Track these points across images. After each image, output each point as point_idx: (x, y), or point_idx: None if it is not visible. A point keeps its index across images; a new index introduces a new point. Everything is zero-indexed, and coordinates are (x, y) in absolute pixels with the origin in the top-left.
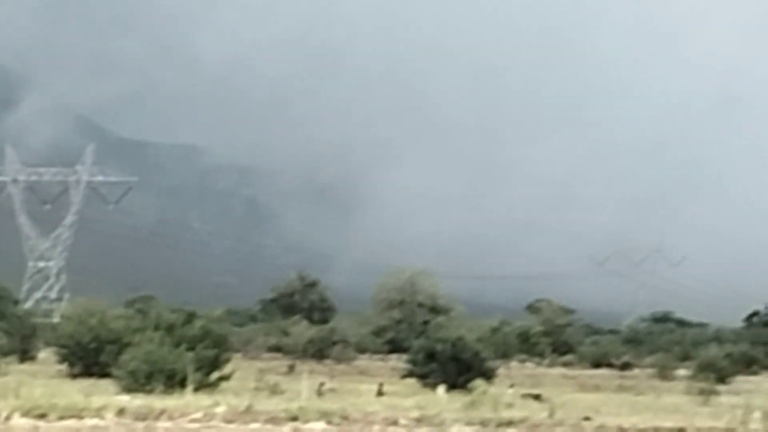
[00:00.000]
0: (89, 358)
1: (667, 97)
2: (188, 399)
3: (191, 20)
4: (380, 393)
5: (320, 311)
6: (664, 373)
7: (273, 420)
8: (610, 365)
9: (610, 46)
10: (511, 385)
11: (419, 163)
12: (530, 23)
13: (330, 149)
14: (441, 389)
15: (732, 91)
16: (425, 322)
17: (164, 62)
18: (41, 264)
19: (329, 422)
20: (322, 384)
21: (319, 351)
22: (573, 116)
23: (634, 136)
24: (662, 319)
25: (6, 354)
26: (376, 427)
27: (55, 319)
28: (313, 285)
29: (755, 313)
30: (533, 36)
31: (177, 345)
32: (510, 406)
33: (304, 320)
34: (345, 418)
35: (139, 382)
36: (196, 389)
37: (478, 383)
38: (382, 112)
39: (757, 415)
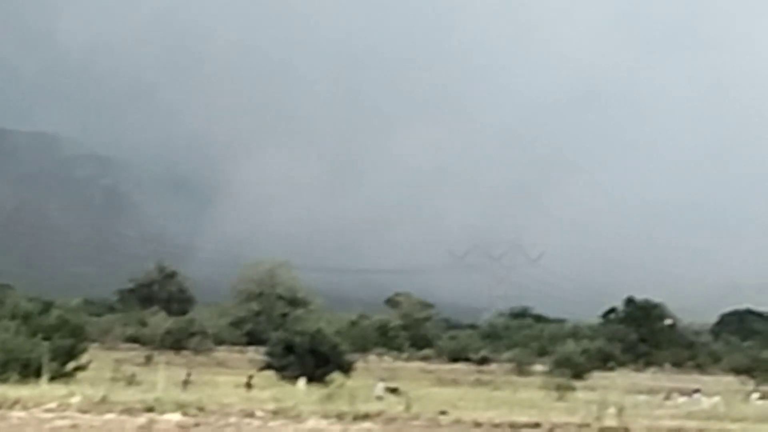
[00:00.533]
0: None
1: (531, 91)
2: (43, 389)
3: (52, 6)
4: (249, 385)
5: (179, 302)
6: (521, 368)
7: (128, 411)
8: (467, 360)
9: (475, 38)
10: (382, 379)
11: (280, 155)
12: (396, 14)
13: (190, 140)
14: (301, 382)
15: (593, 86)
16: (284, 315)
17: (22, 48)
18: None
19: (185, 413)
20: (189, 374)
21: (177, 342)
22: (436, 109)
23: (496, 130)
24: (520, 314)
25: None
26: (232, 419)
27: None
28: (172, 276)
29: (612, 310)
30: (398, 26)
31: (33, 334)
32: (380, 399)
33: (162, 311)
34: (201, 409)
35: None
36: (52, 379)
37: (336, 376)
38: (243, 103)
39: (611, 410)
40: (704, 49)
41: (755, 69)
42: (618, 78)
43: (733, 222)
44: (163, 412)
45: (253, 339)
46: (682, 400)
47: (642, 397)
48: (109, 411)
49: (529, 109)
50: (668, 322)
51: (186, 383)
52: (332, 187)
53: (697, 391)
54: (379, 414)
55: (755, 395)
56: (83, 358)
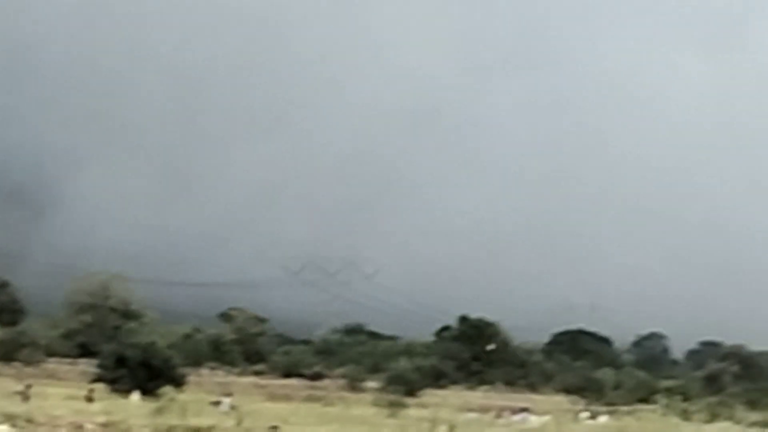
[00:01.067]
0: None
1: (370, 108)
2: None
3: None
4: (89, 399)
5: (10, 313)
6: (353, 385)
7: None
8: (301, 375)
9: (314, 53)
10: (227, 395)
11: (115, 167)
12: (234, 27)
13: (23, 149)
14: (135, 395)
15: (432, 104)
16: (117, 327)
17: None
18: None
19: (14, 425)
20: (29, 386)
21: (7, 353)
22: (274, 124)
23: (335, 146)
24: (354, 330)
25: None
26: (62, 431)
27: None
28: (3, 286)
29: (446, 327)
30: (237, 39)
31: None
32: (226, 415)
33: None
34: (30, 421)
35: None
36: None
37: (168, 390)
38: (78, 114)
39: (442, 428)
40: (543, 70)
41: (590, 91)
42: (456, 97)
43: (567, 241)
44: None
45: (86, 351)
46: (514, 418)
47: (473, 415)
48: None
49: (368, 125)
50: (491, 347)
51: (24, 395)
52: (167, 200)
53: (524, 409)
54: (210, 428)
55: (584, 414)
56: None
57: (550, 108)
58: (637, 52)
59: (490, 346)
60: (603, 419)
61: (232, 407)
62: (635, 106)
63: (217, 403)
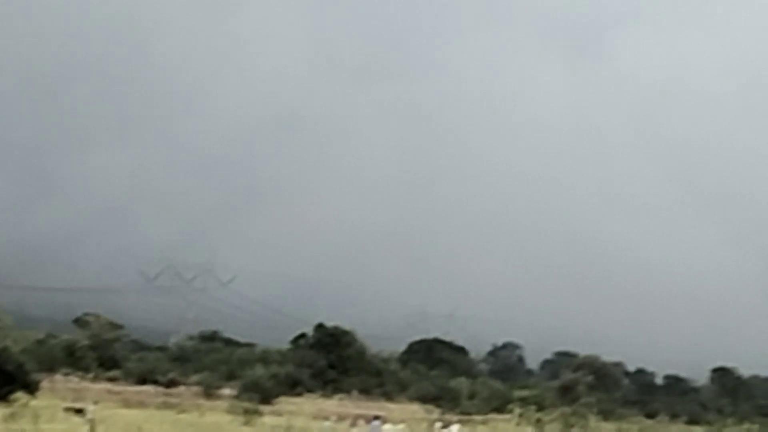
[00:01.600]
0: None
1: (233, 112)
2: None
3: None
4: None
5: None
6: (209, 392)
7: None
8: (156, 382)
9: (178, 56)
10: (95, 402)
11: None
12: (99, 27)
13: None
14: None
15: (295, 109)
16: None
17: None
18: None
19: None
20: None
21: None
22: (134, 129)
23: (196, 151)
24: (210, 337)
25: None
26: None
27: None
28: None
29: (302, 335)
30: (101, 40)
31: None
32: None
33: None
34: None
35: None
36: None
37: (21, 395)
38: None
39: None
40: (406, 77)
41: (452, 99)
42: (319, 104)
43: (424, 251)
44: None
45: None
46: (368, 426)
47: (328, 423)
48: None
49: (229, 131)
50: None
51: None
52: (23, 203)
53: (377, 418)
54: None
55: (439, 424)
56: None
57: (412, 115)
58: (498, 61)
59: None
60: (455, 428)
61: (75, 411)
62: (496, 114)
63: (80, 411)
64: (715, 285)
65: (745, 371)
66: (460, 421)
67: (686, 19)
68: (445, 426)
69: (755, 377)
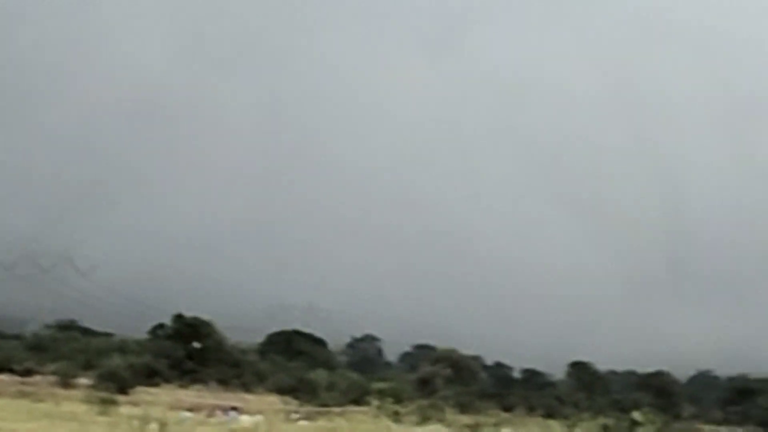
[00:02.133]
0: None
1: (95, 98)
2: None
3: None
4: None
5: None
6: (65, 381)
7: None
8: (11, 371)
9: (32, 41)
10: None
11: None
12: None
13: None
14: None
15: (157, 99)
16: None
17: None
18: None
19: None
20: None
21: None
22: (4, 114)
23: (53, 139)
24: (67, 326)
25: None
26: None
27: None
28: None
29: (160, 326)
30: None
31: None
32: None
33: None
34: None
35: None
36: None
37: None
38: None
39: (153, 426)
40: (268, 69)
41: (314, 92)
42: (183, 94)
43: (283, 242)
44: None
45: None
46: (225, 417)
47: (186, 414)
48: None
49: (89, 118)
50: (197, 345)
51: None
52: None
53: (233, 408)
54: None
55: (296, 415)
56: None
57: (273, 108)
58: (361, 56)
59: (197, 344)
60: (303, 423)
61: None
62: (358, 107)
63: None
64: (573, 281)
65: (601, 366)
66: (318, 413)
67: (550, 17)
68: (305, 418)
69: (612, 372)
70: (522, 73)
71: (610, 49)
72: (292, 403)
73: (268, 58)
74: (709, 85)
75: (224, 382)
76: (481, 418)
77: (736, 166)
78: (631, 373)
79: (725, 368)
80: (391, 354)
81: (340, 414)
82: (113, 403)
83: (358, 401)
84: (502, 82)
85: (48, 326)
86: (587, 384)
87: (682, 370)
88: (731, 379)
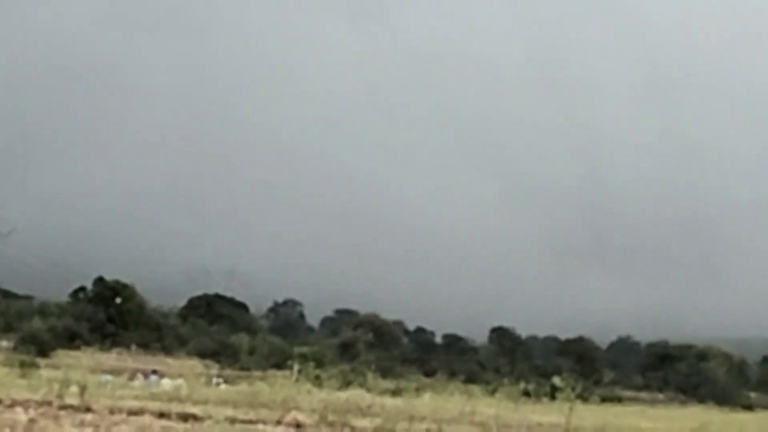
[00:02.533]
0: None
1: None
2: None
3: None
4: None
5: None
6: None
7: None
8: None
9: None
10: None
11: None
12: None
13: None
14: None
15: (79, 60)
16: None
17: None
18: None
19: None
20: None
21: None
22: None
23: None
24: None
25: None
26: None
27: None
28: None
29: (81, 289)
30: None
31: None
32: None
33: None
34: None
35: None
36: None
37: None
38: None
39: (73, 389)
40: (192, 33)
41: (238, 57)
42: (105, 55)
43: (205, 206)
44: None
45: None
46: (144, 381)
47: (106, 377)
48: None
49: (9, 80)
50: (118, 300)
51: None
52: None
53: (154, 372)
54: None
55: (218, 379)
56: None
57: (195, 73)
58: (283, 21)
59: (118, 300)
60: (224, 387)
61: None
62: (280, 74)
63: None
64: (495, 246)
65: (522, 332)
66: (239, 377)
67: None
68: (226, 381)
69: (533, 338)
70: (446, 45)
71: (536, 23)
72: (214, 367)
73: (190, 25)
74: (633, 62)
75: (145, 346)
76: (402, 383)
77: (658, 140)
78: (552, 339)
79: (645, 334)
80: (313, 318)
81: (262, 378)
82: (34, 366)
83: (279, 365)
84: (426, 52)
85: None
86: (508, 349)
87: (602, 337)
88: (651, 346)
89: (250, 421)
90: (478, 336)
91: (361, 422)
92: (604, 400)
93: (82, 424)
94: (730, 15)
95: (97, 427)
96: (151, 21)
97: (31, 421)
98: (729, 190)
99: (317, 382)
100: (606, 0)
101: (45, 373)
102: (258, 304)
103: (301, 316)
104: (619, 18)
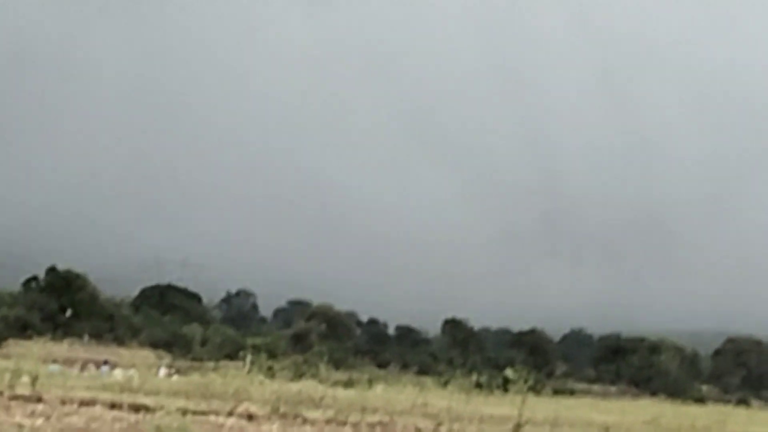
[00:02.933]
0: None
1: None
2: None
3: None
4: None
5: None
6: None
7: None
8: None
9: None
10: None
11: None
12: None
13: None
14: None
15: (30, 47)
16: None
17: None
18: None
19: None
20: None
21: None
22: None
23: None
24: None
25: None
26: None
27: None
28: None
29: (33, 278)
30: None
31: None
32: None
33: None
34: None
35: None
36: None
37: None
38: None
39: (25, 378)
40: (142, 18)
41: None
42: (57, 40)
43: (158, 196)
44: None
45: None
46: (96, 371)
47: (57, 367)
48: None
49: None
50: (68, 313)
51: None
52: None
53: (106, 362)
54: None
55: (169, 370)
56: None
57: (147, 62)
58: (235, 11)
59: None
60: (176, 377)
61: None
62: (232, 65)
63: None
64: (448, 239)
65: (475, 323)
66: (191, 368)
67: None
68: (178, 372)
69: (485, 329)
70: (401, 39)
71: (490, 16)
72: (166, 357)
73: (140, 16)
74: (587, 58)
75: (97, 336)
76: (355, 374)
77: (611, 136)
78: (504, 331)
79: (598, 327)
80: (266, 309)
81: (214, 369)
82: None
83: (232, 356)
84: (378, 37)
85: None
86: (461, 341)
87: (555, 329)
88: (603, 338)
89: (202, 412)
90: (431, 328)
91: (313, 414)
92: (556, 392)
93: (33, 414)
94: (682, 13)
95: (48, 417)
96: (100, 11)
97: None
98: (680, 185)
99: (270, 373)
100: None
101: None
102: (211, 294)
103: (254, 306)
104: (573, 15)
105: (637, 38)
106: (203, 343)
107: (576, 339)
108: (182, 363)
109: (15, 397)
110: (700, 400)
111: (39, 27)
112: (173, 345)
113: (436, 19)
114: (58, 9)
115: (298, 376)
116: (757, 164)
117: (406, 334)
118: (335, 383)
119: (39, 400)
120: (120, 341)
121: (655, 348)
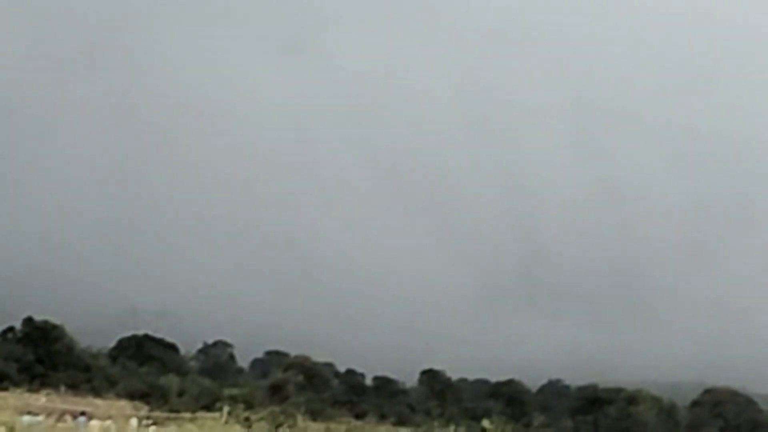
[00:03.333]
0: None
1: None
2: None
3: None
4: None
5: None
6: None
7: None
8: None
9: None
10: None
11: None
12: None
13: None
14: None
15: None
16: None
17: None
18: None
19: None
20: None
21: None
22: None
23: None
24: None
25: None
26: None
27: None
28: None
29: (10, 329)
30: None
31: None
32: None
33: None
34: None
35: None
36: None
37: None
38: None
39: (2, 430)
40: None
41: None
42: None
43: (135, 246)
44: None
45: None
46: (73, 422)
47: (35, 418)
48: None
49: None
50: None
51: None
52: None
53: (83, 413)
54: None
55: (146, 421)
56: None
57: (124, 108)
58: (212, 55)
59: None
60: (153, 428)
61: None
62: (209, 109)
63: None
64: (426, 290)
65: (453, 374)
66: (168, 419)
67: (405, 26)
68: (155, 423)
69: (463, 380)
70: (374, 80)
71: (463, 58)
72: (143, 409)
73: (120, 58)
74: (563, 100)
75: (74, 387)
76: (332, 425)
77: (588, 182)
78: (482, 382)
79: (575, 378)
80: (243, 360)
81: (191, 419)
82: None
83: (209, 407)
84: (353, 87)
85: None
86: (439, 392)
87: (533, 380)
88: (581, 389)
89: None
90: (409, 378)
91: None
92: None
93: None
94: (657, 57)
95: None
96: (77, 57)
97: None
98: (658, 234)
99: (247, 423)
100: (534, 39)
101: None
102: (188, 345)
103: (231, 357)
104: (549, 68)
105: (614, 89)
106: (180, 393)
107: (554, 390)
108: (159, 414)
109: None
110: None
111: (11, 82)
112: (150, 396)
113: (413, 72)
114: (30, 63)
115: (276, 426)
116: (735, 216)
117: (384, 384)
118: None
119: None
120: (97, 392)
121: (632, 399)
